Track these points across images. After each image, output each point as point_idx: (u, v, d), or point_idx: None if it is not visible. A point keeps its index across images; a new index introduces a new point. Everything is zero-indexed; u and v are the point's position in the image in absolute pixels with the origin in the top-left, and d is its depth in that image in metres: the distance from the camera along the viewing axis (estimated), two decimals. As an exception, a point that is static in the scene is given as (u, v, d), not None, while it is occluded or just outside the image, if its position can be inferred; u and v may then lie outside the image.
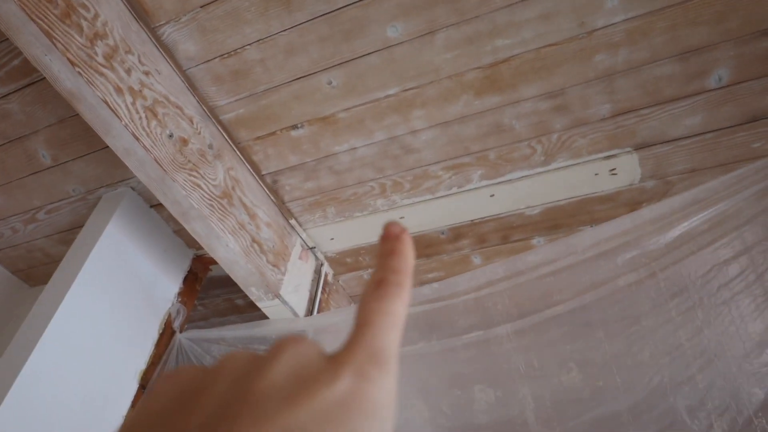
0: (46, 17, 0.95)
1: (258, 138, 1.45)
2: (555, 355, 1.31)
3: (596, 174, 1.43)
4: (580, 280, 1.26)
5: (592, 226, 1.54)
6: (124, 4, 1.16)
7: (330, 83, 1.31)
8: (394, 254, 0.29)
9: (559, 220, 1.57)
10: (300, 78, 1.31)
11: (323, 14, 1.18)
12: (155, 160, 1.15)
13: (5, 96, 1.43)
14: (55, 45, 0.96)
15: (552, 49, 1.20)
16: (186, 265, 1.79)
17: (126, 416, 1.43)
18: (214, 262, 1.82)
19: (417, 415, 1.44)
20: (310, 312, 1.63)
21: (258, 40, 1.24)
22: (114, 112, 1.07)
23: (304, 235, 1.73)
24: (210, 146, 1.36)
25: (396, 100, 1.32)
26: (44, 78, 1.37)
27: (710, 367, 1.17)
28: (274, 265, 1.51)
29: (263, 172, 1.55)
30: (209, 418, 0.21)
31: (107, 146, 1.42)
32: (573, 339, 1.30)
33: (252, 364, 0.24)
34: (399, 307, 0.27)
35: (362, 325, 0.26)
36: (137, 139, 1.12)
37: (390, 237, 0.30)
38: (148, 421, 0.23)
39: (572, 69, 1.23)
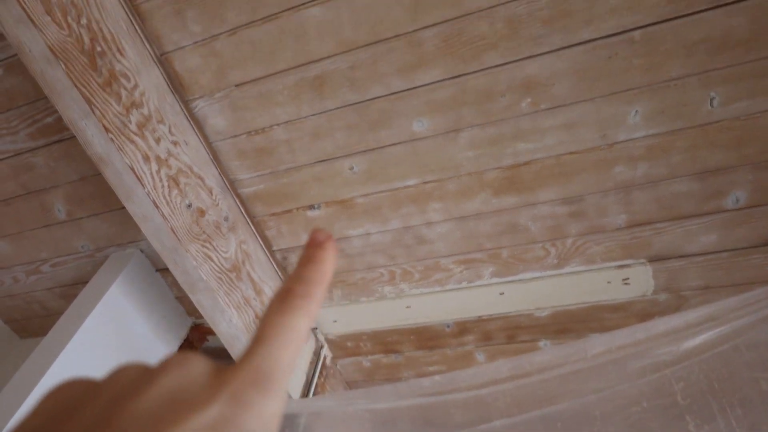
0: (89, 85, 0.98)
1: (273, 214, 1.46)
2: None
3: (609, 282, 1.41)
4: (587, 384, 1.22)
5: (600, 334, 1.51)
6: (163, 77, 1.20)
7: (352, 168, 1.33)
8: (311, 262, 0.28)
9: (567, 325, 1.55)
10: (323, 161, 1.33)
11: (353, 103, 1.22)
12: (171, 229, 1.15)
13: (33, 150, 1.46)
14: (93, 111, 0.99)
15: (572, 157, 1.22)
16: (183, 333, 1.76)
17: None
18: (212, 333, 1.78)
19: None
20: (305, 395, 1.58)
21: (287, 122, 1.28)
22: (139, 180, 1.08)
23: (307, 314, 1.70)
24: (226, 218, 1.37)
25: (415, 191, 1.34)
26: (74, 137, 1.41)
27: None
28: (274, 344, 1.47)
29: (274, 248, 1.54)
30: None
31: (123, 207, 1.43)
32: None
33: (135, 382, 0.23)
34: (300, 322, 0.26)
35: (257, 341, 0.25)
36: (157, 207, 1.12)
37: (313, 244, 0.29)
38: None
39: (591, 177, 1.25)
